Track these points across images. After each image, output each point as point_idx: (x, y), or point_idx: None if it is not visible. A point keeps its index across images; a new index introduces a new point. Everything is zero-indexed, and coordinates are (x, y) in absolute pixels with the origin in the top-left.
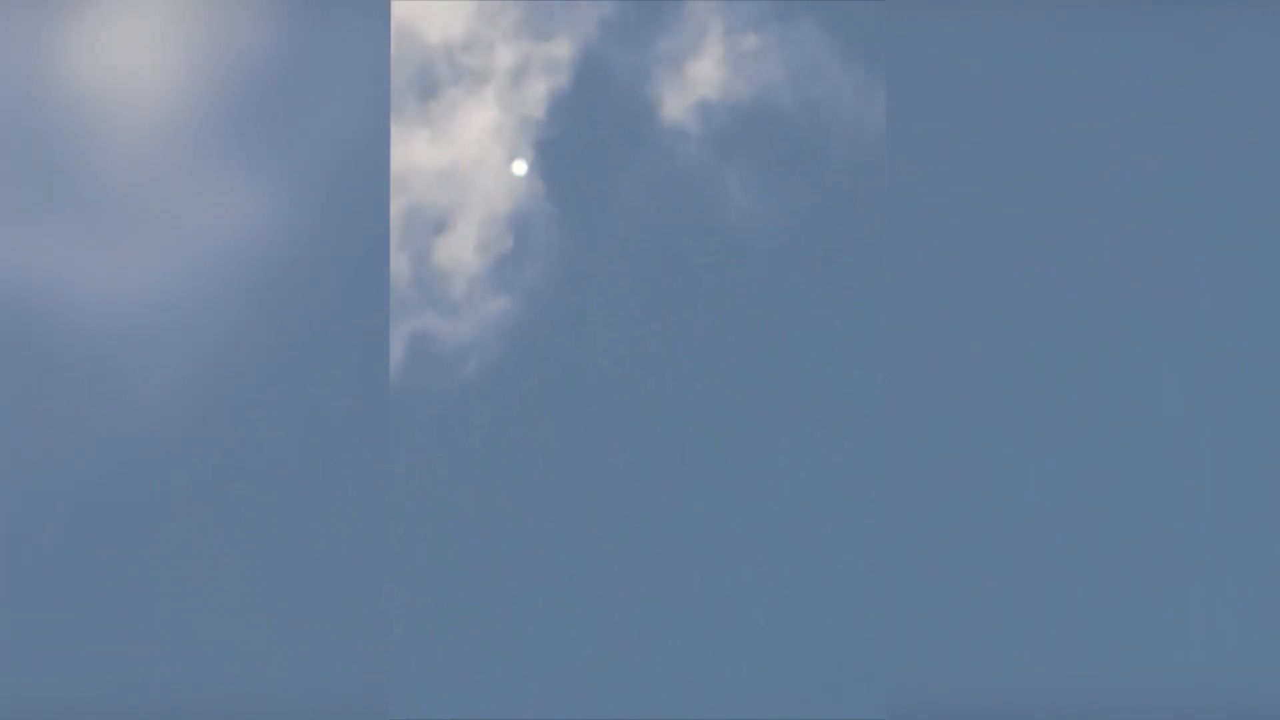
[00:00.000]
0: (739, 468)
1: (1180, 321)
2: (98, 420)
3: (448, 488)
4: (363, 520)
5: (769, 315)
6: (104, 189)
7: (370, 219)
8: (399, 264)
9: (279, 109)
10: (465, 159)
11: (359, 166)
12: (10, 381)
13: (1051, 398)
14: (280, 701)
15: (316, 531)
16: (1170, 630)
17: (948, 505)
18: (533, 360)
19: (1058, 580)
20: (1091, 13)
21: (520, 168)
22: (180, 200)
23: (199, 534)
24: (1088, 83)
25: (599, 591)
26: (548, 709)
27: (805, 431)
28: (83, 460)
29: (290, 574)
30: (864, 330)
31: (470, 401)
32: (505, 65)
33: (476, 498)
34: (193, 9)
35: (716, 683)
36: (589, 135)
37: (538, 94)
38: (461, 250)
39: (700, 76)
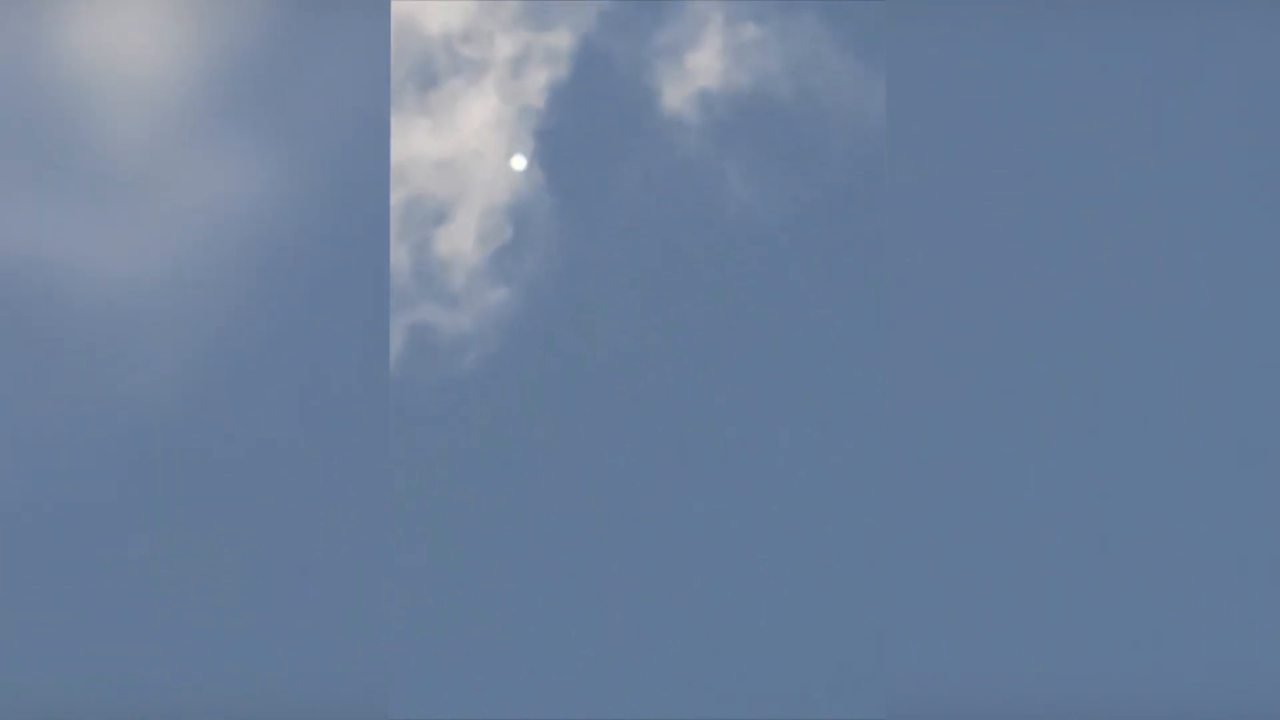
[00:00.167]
0: (738, 464)
1: (1180, 320)
2: (92, 407)
3: (447, 482)
4: (362, 514)
5: (769, 306)
6: (103, 176)
7: (370, 210)
8: (398, 255)
9: (279, 99)
10: (465, 150)
11: (359, 157)
12: (7, 360)
13: (1052, 395)
14: (280, 701)
15: (315, 526)
16: (1170, 630)
17: (948, 505)
18: (532, 352)
19: (1058, 580)
20: (1092, 7)
21: (519, 163)
22: (179, 189)
23: (196, 529)
24: (1088, 76)
25: (599, 591)
26: (548, 709)
27: (804, 425)
28: (77, 446)
29: (289, 570)
30: (864, 323)
31: (470, 393)
32: (505, 56)
33: (476, 492)
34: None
35: (716, 683)
36: (589, 126)
37: (537, 85)
38: (461, 241)
39: (700, 67)
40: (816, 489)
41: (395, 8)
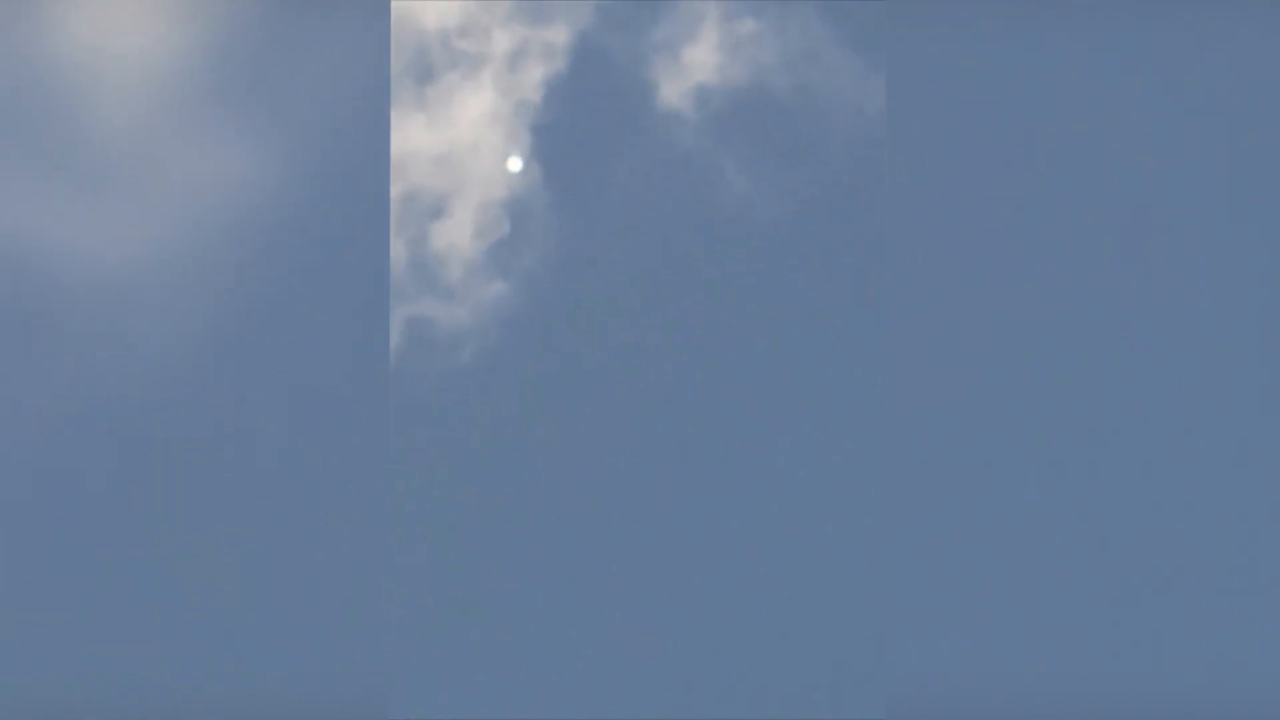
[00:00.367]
0: (738, 463)
1: (1180, 320)
2: (85, 398)
3: (446, 478)
4: (361, 510)
5: (766, 301)
6: (101, 174)
7: (369, 204)
8: (395, 249)
9: (278, 94)
10: (462, 144)
11: (358, 151)
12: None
13: (1052, 393)
14: (280, 701)
15: (313, 522)
16: (1170, 630)
17: (948, 505)
18: (530, 346)
19: (1058, 580)
20: (1092, 5)
21: (515, 165)
22: (178, 181)
23: (192, 526)
24: (1087, 70)
25: (599, 591)
26: (548, 709)
27: (803, 421)
28: (69, 438)
29: (287, 568)
30: (862, 318)
31: (467, 387)
32: (502, 50)
33: (475, 488)
34: None
35: (716, 683)
36: (586, 121)
37: (534, 79)
38: (458, 236)
39: (697, 62)
40: (816, 489)
41: (393, 2)
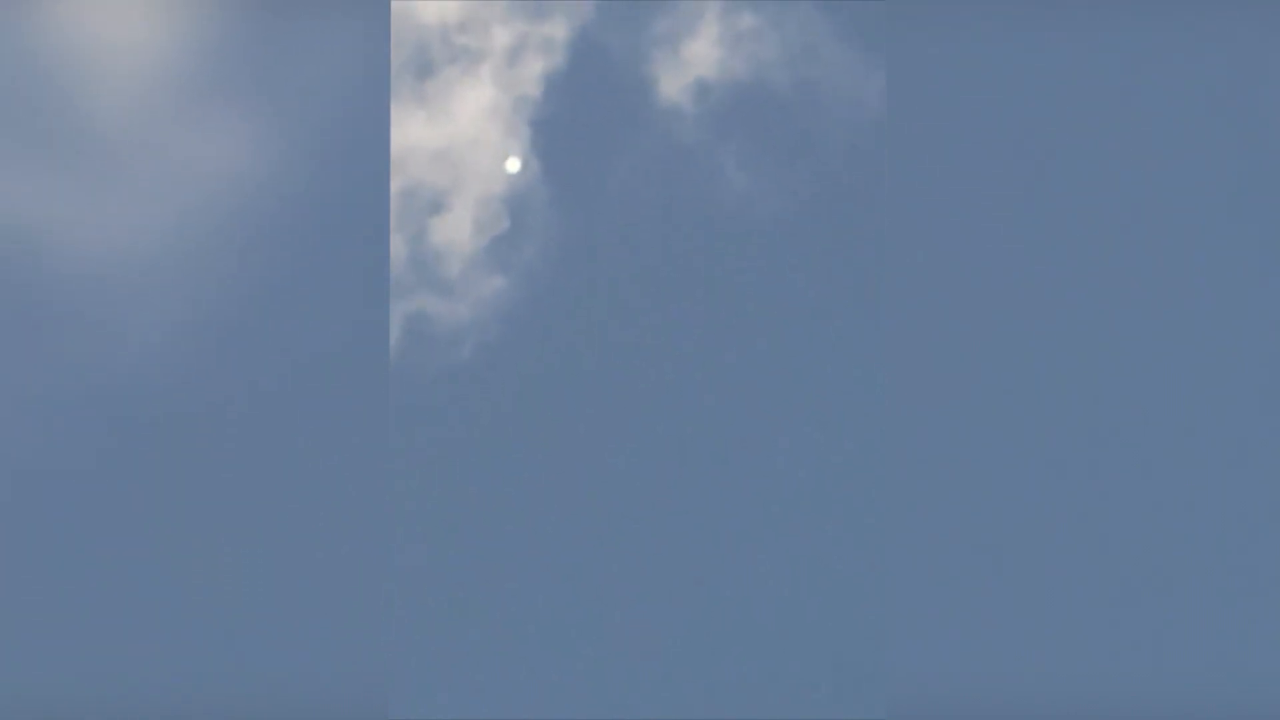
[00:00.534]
0: (738, 461)
1: (1180, 319)
2: (81, 389)
3: (445, 475)
4: (360, 506)
5: (766, 296)
6: (101, 169)
7: (369, 199)
8: (395, 245)
9: (278, 92)
10: (462, 140)
11: (358, 146)
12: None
13: (1052, 393)
14: (280, 701)
15: (313, 519)
16: (1170, 630)
17: (948, 505)
18: (529, 341)
19: (1058, 580)
20: (1092, 4)
21: (514, 165)
22: (176, 176)
23: (190, 523)
24: (1087, 66)
25: (599, 591)
26: (548, 709)
27: (803, 418)
28: (66, 433)
29: (287, 566)
30: (861, 314)
31: (467, 383)
32: (501, 46)
33: (474, 485)
34: None
35: (716, 683)
36: (585, 115)
37: (534, 74)
38: (458, 231)
39: (697, 57)
40: (816, 489)
41: (394, 1)
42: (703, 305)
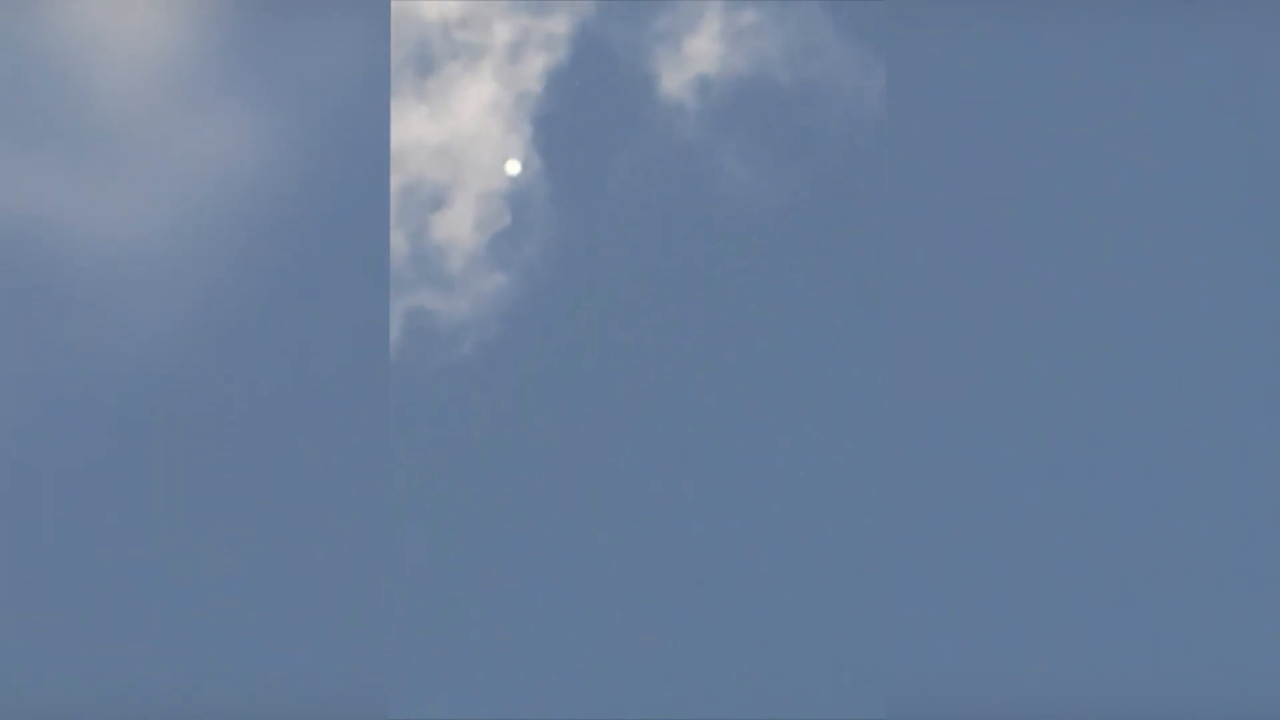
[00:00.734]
0: (738, 460)
1: (1180, 317)
2: (80, 380)
3: (446, 474)
4: (360, 504)
5: (767, 294)
6: (96, 160)
7: (369, 195)
8: (395, 241)
9: (278, 88)
10: (463, 136)
11: (358, 142)
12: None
13: (1053, 392)
14: (280, 701)
15: (312, 518)
16: (1170, 630)
17: (948, 505)
18: (530, 338)
19: (1058, 580)
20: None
21: (514, 167)
22: (177, 175)
23: (189, 521)
24: (1088, 66)
25: (599, 591)
26: (548, 709)
27: (803, 416)
28: (65, 425)
29: (286, 565)
30: (862, 311)
31: (468, 380)
32: (503, 41)
33: (475, 484)
34: None
35: (716, 683)
36: (587, 111)
37: (535, 70)
38: (459, 227)
39: (698, 53)
40: (816, 488)
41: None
42: (703, 302)
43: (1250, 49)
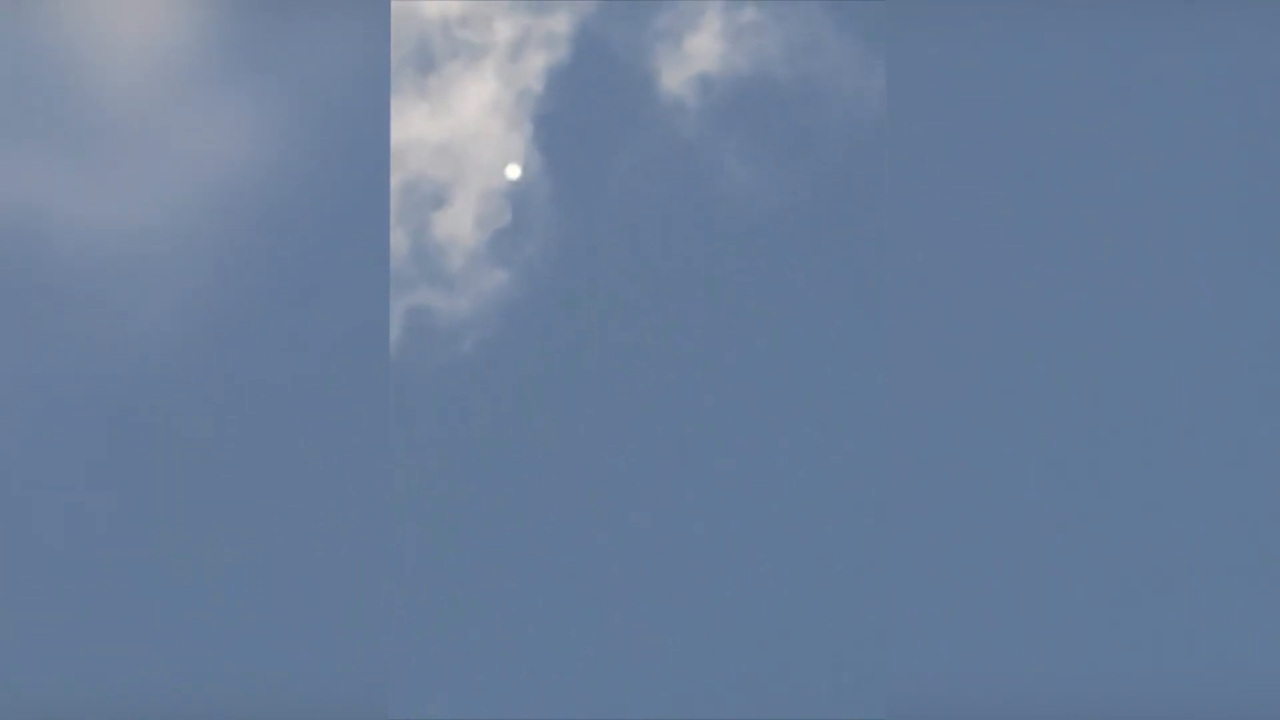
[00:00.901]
0: (737, 451)
1: (1180, 318)
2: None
3: (446, 471)
4: (360, 504)
5: (766, 291)
6: (95, 158)
7: (370, 193)
8: (396, 238)
9: (278, 87)
10: (464, 134)
11: (358, 141)
12: (6, 304)
13: (1053, 390)
14: (280, 701)
15: (313, 516)
16: (1170, 630)
17: (948, 505)
18: (531, 336)
19: (1058, 580)
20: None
21: (514, 171)
22: (178, 173)
23: (189, 520)
24: (1088, 65)
25: (599, 591)
26: (548, 709)
27: (803, 413)
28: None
29: (285, 564)
30: (862, 310)
31: (468, 377)
32: (504, 40)
33: (474, 481)
34: None
35: (716, 683)
36: (587, 109)
37: (536, 68)
38: (459, 225)
39: (699, 51)
40: (816, 487)
41: None
42: (703, 300)
43: (1250, 49)
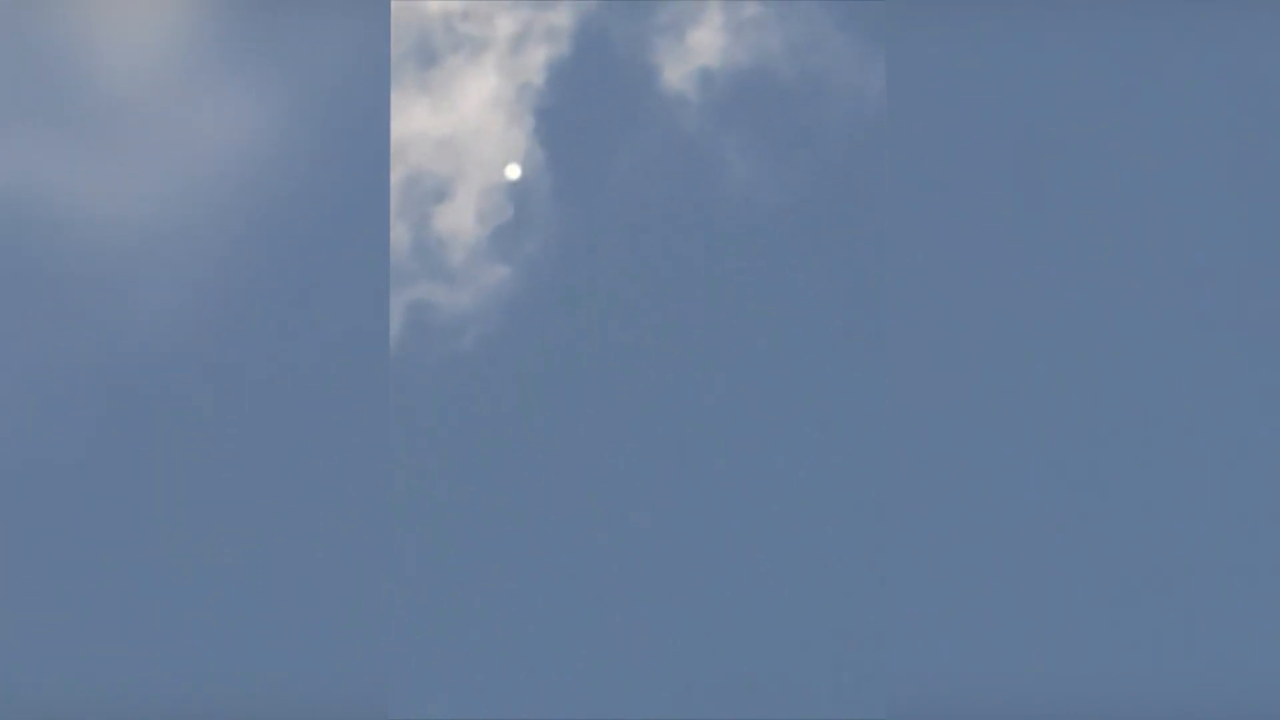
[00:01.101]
0: (737, 450)
1: (1180, 317)
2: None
3: (446, 468)
4: (360, 501)
5: (767, 287)
6: (95, 152)
7: (370, 188)
8: (397, 233)
9: (279, 81)
10: (465, 128)
11: (359, 136)
12: (5, 293)
13: (1053, 390)
14: (280, 701)
15: (313, 514)
16: (1170, 630)
17: (948, 505)
18: (532, 331)
19: (1058, 580)
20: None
21: (514, 171)
22: (178, 167)
23: (188, 519)
24: (1088, 64)
25: (599, 591)
26: (548, 709)
27: (804, 413)
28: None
29: (285, 563)
30: (862, 307)
31: (468, 372)
32: (505, 33)
33: (475, 479)
34: None
35: (716, 683)
36: (588, 104)
37: (537, 63)
38: (460, 219)
39: (700, 45)
40: (816, 487)
41: None
42: (704, 296)
43: (1250, 49)
